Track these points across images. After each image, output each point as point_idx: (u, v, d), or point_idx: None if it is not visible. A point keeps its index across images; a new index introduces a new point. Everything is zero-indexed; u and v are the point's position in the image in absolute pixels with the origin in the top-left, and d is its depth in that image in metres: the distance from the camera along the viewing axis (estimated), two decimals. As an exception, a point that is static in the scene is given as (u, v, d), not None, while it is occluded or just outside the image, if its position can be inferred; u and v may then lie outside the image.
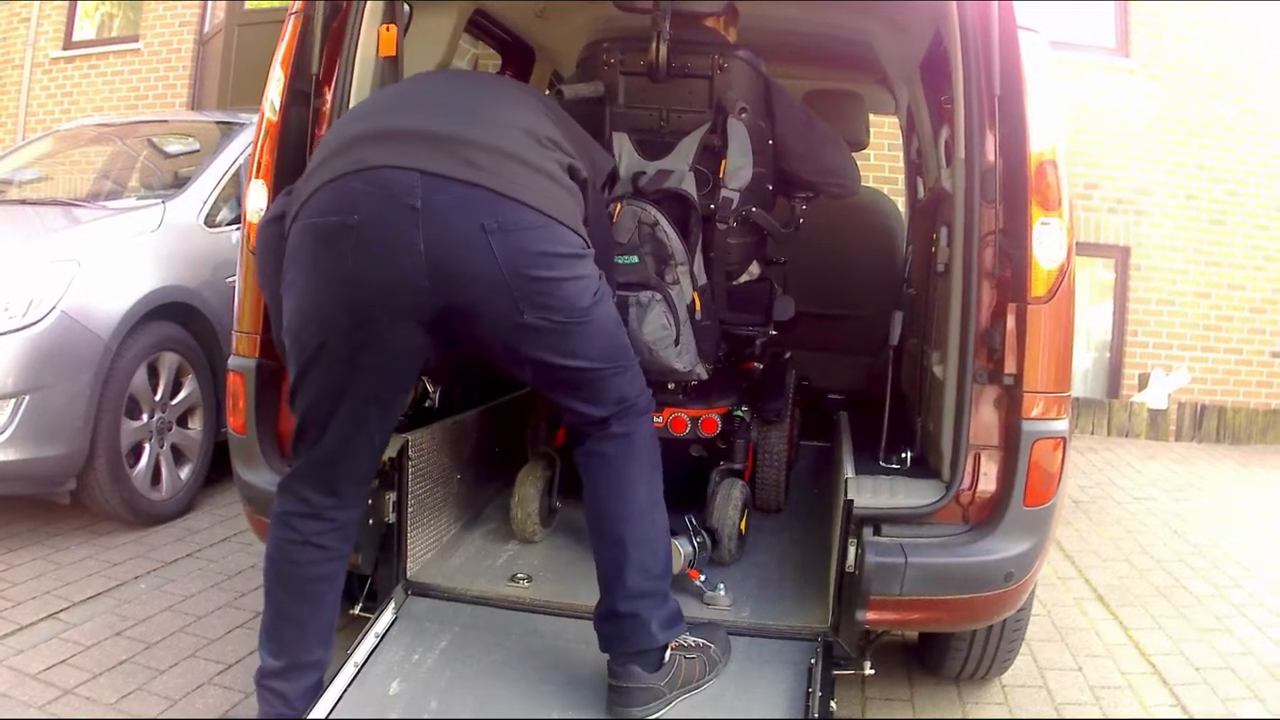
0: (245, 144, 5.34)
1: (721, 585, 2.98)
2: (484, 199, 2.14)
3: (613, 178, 2.90)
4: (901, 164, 6.16)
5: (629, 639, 2.43)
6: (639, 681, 2.43)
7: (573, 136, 2.49)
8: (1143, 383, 9.16)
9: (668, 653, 2.47)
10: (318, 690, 2.49)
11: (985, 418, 2.65)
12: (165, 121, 7.02)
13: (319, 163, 2.29)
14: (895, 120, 5.66)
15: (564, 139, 2.40)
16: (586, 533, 3.01)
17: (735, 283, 3.42)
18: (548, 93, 4.26)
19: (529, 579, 3.07)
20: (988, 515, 2.63)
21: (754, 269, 3.49)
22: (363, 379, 2.33)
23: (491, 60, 4.99)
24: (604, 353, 2.39)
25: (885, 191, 6.06)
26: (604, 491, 2.47)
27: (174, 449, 4.84)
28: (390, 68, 3.03)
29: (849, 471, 2.85)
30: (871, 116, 4.53)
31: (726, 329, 3.37)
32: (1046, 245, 2.56)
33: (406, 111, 2.34)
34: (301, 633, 2.47)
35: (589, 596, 2.89)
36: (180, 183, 5.42)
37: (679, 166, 3.16)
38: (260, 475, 2.90)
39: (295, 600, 2.47)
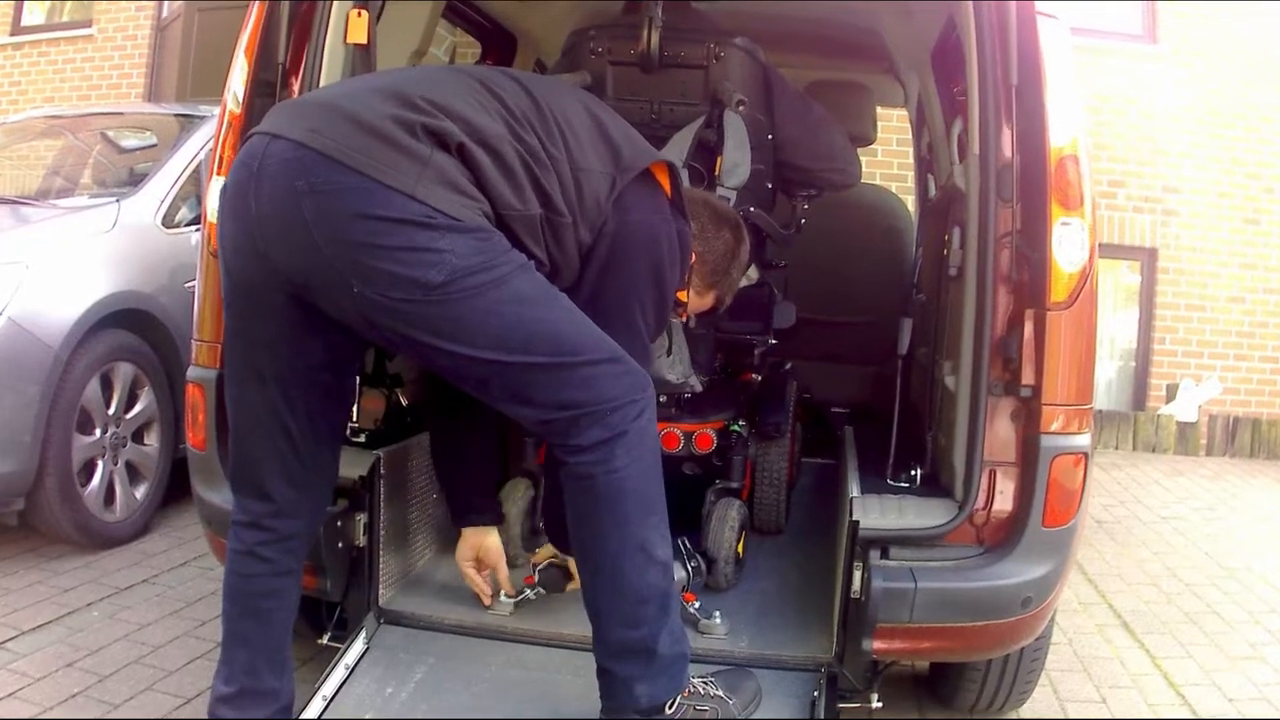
0: (206, 138, 5.33)
1: (717, 612, 2.98)
2: (305, 159, 2.13)
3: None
4: (911, 160, 6.17)
5: (611, 696, 2.41)
6: None
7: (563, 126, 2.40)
8: (1171, 394, 9.17)
9: (674, 703, 2.41)
10: None
11: (1001, 432, 2.65)
12: (120, 114, 7.03)
13: None
14: (904, 113, 5.68)
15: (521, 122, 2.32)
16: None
17: (732, 288, 3.42)
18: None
19: (511, 606, 3.06)
20: (1004, 537, 2.63)
21: (752, 273, 3.48)
22: (255, 353, 2.36)
23: (472, 49, 4.99)
24: (499, 341, 2.22)
25: (893, 189, 6.06)
26: (573, 539, 2.42)
27: (129, 466, 4.82)
28: (361, 56, 3.03)
29: (854, 490, 2.85)
30: (879, 109, 4.54)
31: (722, 338, 3.37)
32: (1067, 247, 2.57)
33: (336, 84, 2.35)
34: (250, 655, 2.46)
35: (575, 625, 2.89)
36: (136, 180, 5.41)
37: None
38: (221, 494, 2.88)
39: (241, 615, 2.48)
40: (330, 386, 2.48)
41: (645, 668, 2.37)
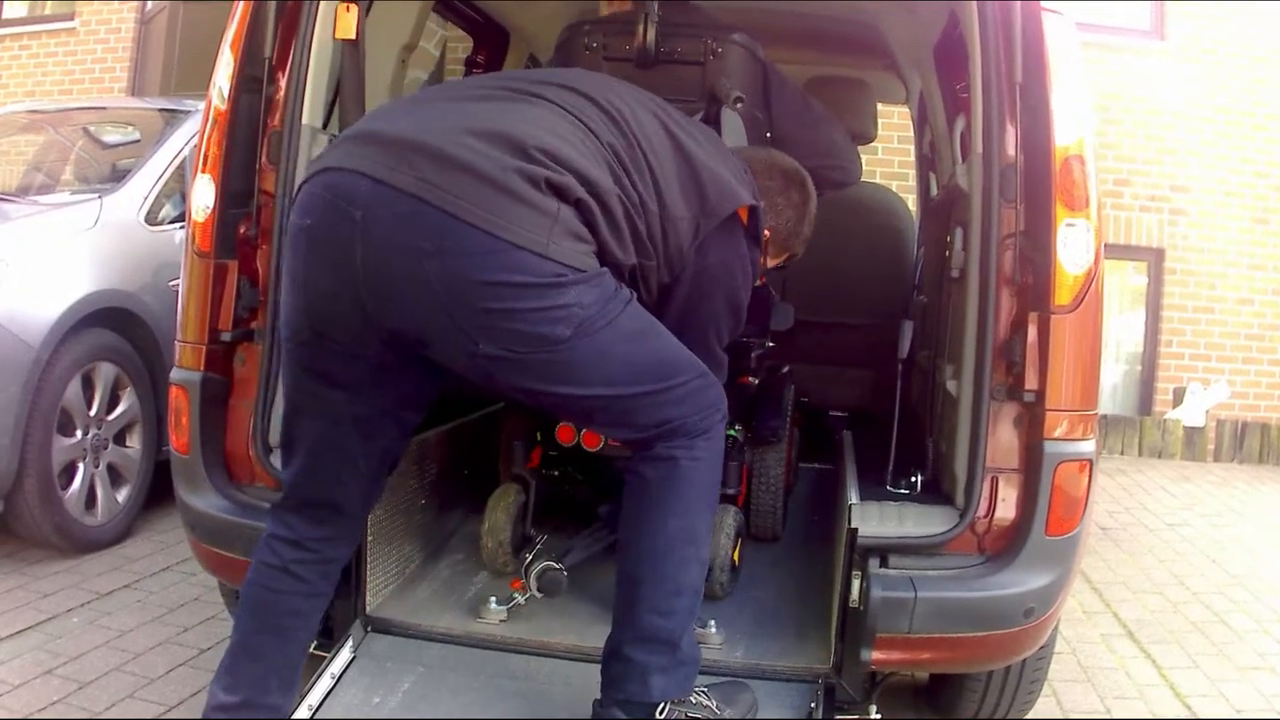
0: (191, 134, 5.33)
1: (712, 621, 2.97)
2: (426, 216, 2.08)
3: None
4: (912, 158, 6.17)
5: (621, 682, 2.40)
6: None
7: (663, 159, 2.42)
8: (1178, 398, 9.17)
9: (665, 709, 2.41)
10: None
11: (1003, 438, 2.65)
12: (103, 108, 7.01)
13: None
14: (905, 110, 5.68)
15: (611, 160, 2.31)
16: (563, 564, 3.01)
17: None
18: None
19: (500, 614, 3.06)
20: (1006, 545, 2.63)
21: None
22: (332, 394, 2.35)
23: (463, 43, 4.98)
24: (611, 377, 2.30)
25: (894, 189, 6.06)
26: (630, 518, 2.43)
27: (110, 469, 4.82)
28: (350, 52, 3.03)
29: (853, 497, 2.85)
30: (880, 106, 4.54)
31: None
32: (1072, 248, 2.57)
33: (408, 112, 2.34)
34: (259, 668, 2.45)
35: (566, 633, 2.89)
36: (119, 176, 5.42)
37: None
38: (204, 499, 2.89)
39: (260, 629, 2.46)
40: (406, 423, 2.52)
41: (668, 659, 2.39)
